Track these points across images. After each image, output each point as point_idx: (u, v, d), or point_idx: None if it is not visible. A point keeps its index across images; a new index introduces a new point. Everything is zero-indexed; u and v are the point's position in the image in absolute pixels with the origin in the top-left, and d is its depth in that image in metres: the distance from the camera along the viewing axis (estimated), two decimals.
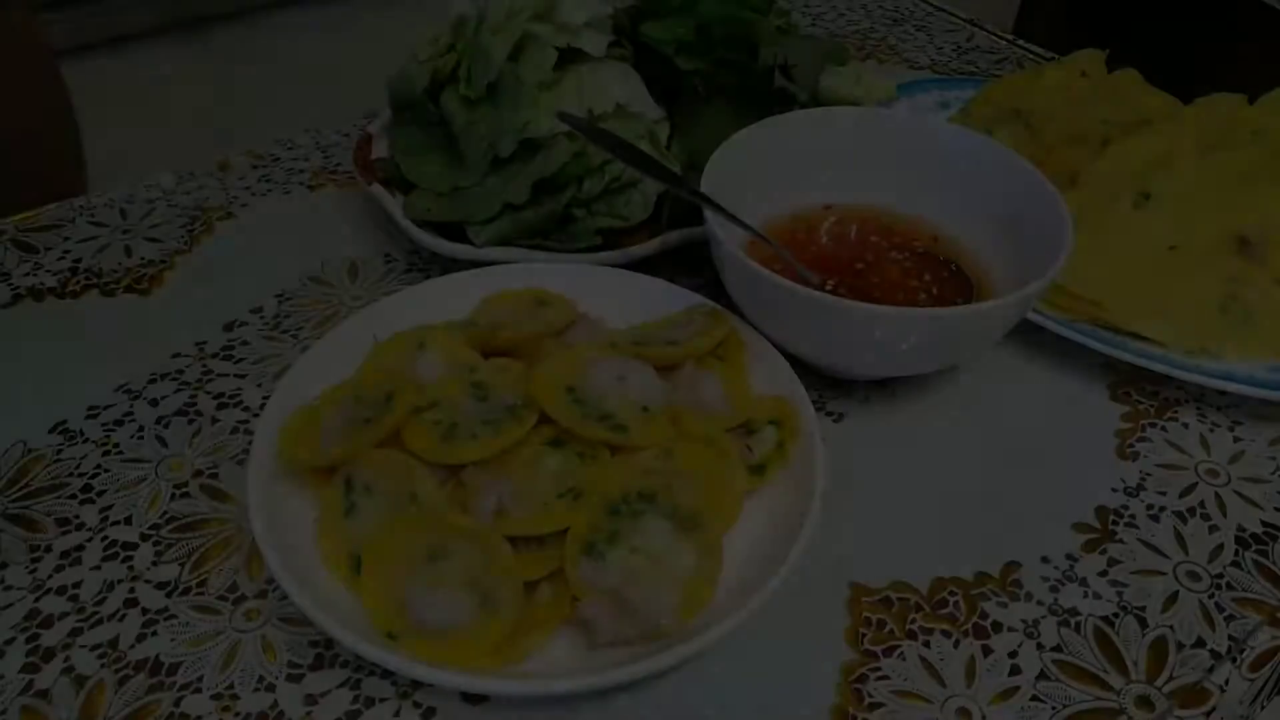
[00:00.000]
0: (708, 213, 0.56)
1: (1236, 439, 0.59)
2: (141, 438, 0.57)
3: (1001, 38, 0.97)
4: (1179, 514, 0.55)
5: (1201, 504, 0.56)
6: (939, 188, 0.65)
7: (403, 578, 0.44)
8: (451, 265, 0.63)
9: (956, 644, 0.49)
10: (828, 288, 0.60)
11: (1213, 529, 0.54)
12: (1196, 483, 0.57)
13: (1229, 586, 0.52)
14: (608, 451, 0.48)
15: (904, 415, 0.60)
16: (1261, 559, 0.53)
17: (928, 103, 0.82)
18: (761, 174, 0.64)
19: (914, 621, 0.50)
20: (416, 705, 0.45)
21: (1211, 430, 0.60)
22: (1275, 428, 0.60)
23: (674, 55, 0.66)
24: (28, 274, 0.66)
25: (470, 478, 0.46)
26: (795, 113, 0.65)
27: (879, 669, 0.47)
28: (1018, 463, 0.58)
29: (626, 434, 0.48)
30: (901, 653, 0.48)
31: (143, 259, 0.68)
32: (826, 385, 0.61)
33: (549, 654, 0.45)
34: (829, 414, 0.60)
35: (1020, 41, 0.97)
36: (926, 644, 0.49)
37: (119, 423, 0.57)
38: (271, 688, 0.46)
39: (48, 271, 0.67)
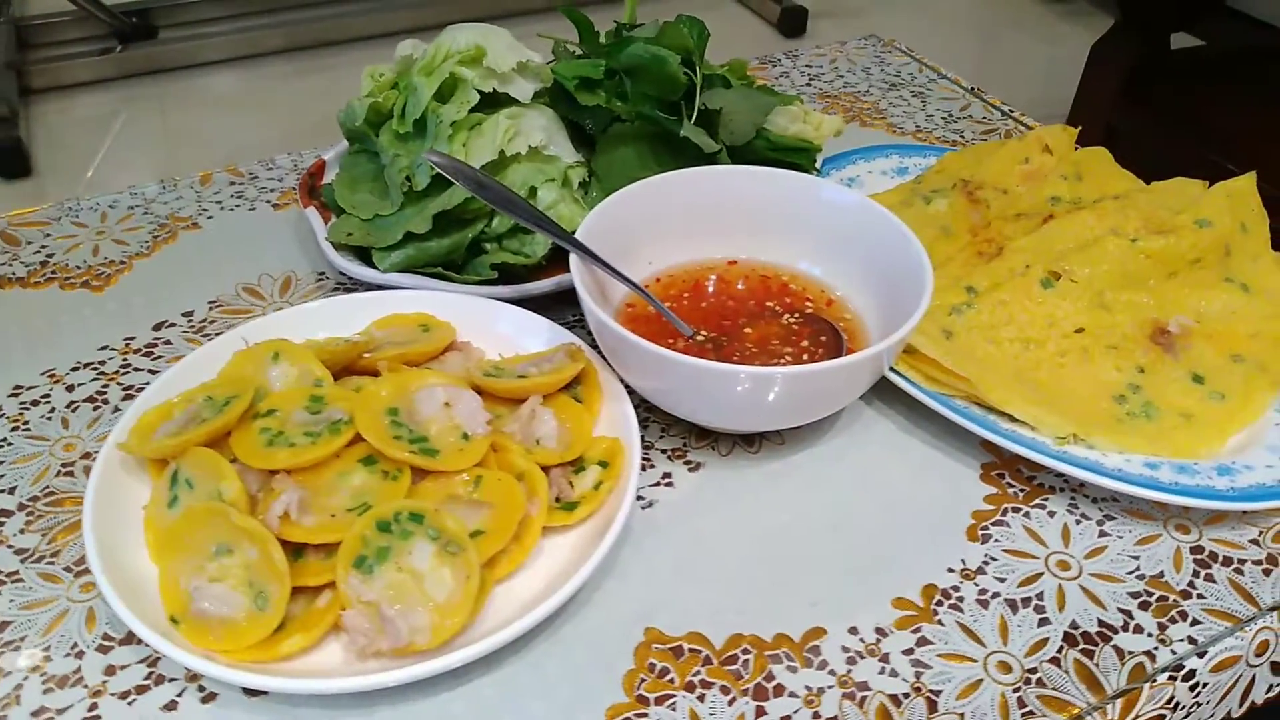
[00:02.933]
0: (573, 259, 0.58)
1: (1102, 534, 0.57)
2: (49, 418, 0.62)
3: (997, 109, 0.96)
4: (1011, 602, 0.53)
5: (1040, 595, 0.54)
6: (833, 248, 0.66)
7: (191, 568, 0.47)
8: (371, 288, 0.67)
9: (732, 701, 0.49)
10: (699, 338, 0.62)
11: (1043, 622, 0.52)
12: (1042, 573, 0.55)
13: (1040, 683, 0.50)
14: (411, 472, 0.51)
15: (761, 472, 0.60)
16: (1085, 660, 0.51)
17: (886, 166, 0.82)
18: (660, 224, 0.66)
19: (698, 674, 0.50)
20: (200, 689, 0.49)
21: (1078, 522, 0.58)
22: (1147, 527, 0.57)
23: (574, 90, 0.69)
24: (3, 264, 0.74)
25: (276, 483, 0.50)
26: (705, 168, 0.67)
27: (645, 717, 0.48)
28: (860, 531, 0.57)
29: (434, 458, 0.51)
30: (674, 703, 0.49)
31: (105, 259, 0.75)
32: (698, 434, 0.62)
33: (327, 657, 0.47)
34: (687, 463, 0.61)
35: (1015, 114, 0.95)
36: (701, 698, 0.49)
37: (35, 403, 0.63)
38: (81, 655, 0.50)
39: (21, 263, 0.74)
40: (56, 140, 2.06)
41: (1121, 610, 0.53)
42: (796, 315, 0.64)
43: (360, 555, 0.46)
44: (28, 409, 0.63)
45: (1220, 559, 0.56)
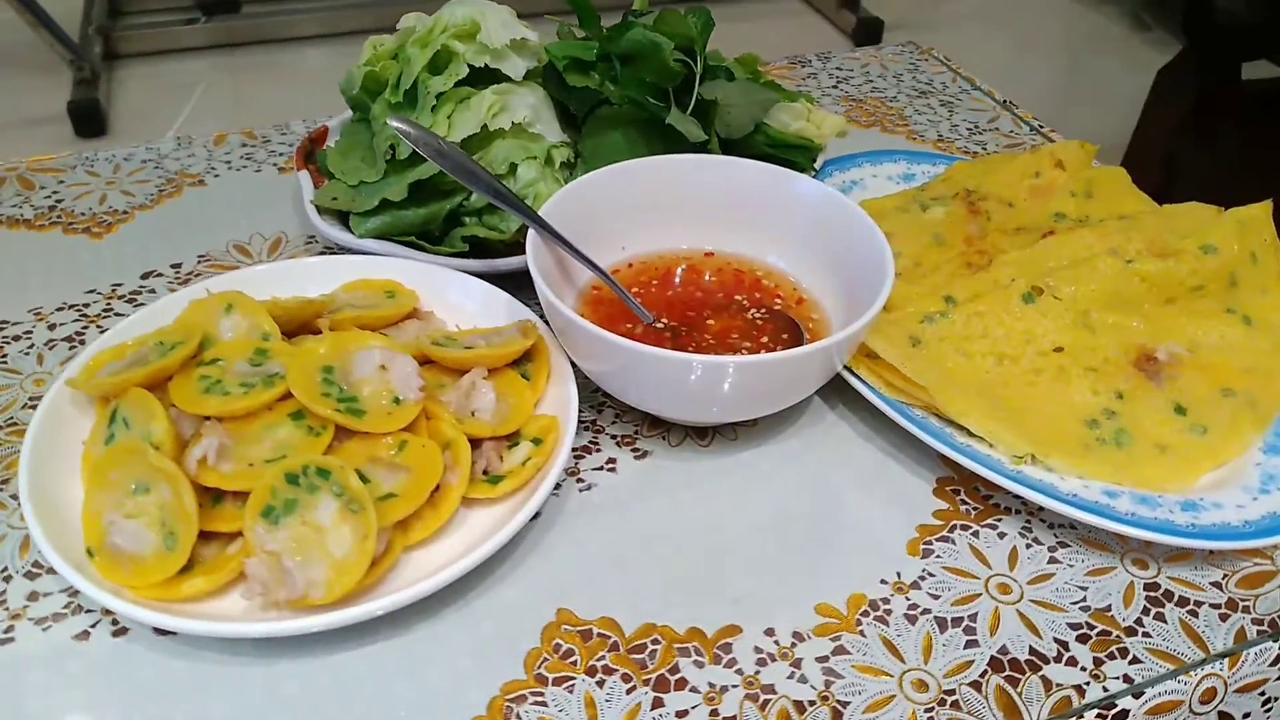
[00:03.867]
0: (531, 235, 0.58)
1: (1052, 560, 0.55)
2: (27, 354, 0.64)
3: (1027, 123, 0.93)
4: (941, 620, 0.51)
5: (973, 617, 0.52)
6: (805, 245, 0.64)
7: (111, 503, 0.48)
8: (349, 253, 0.68)
9: (631, 690, 0.48)
10: (659, 326, 0.61)
11: (971, 644, 0.50)
12: (980, 594, 0.53)
13: (955, 706, 0.48)
14: (338, 431, 0.51)
15: (708, 465, 0.59)
16: (1009, 687, 0.49)
17: (893, 172, 0.80)
18: (635, 210, 0.65)
19: (602, 660, 0.49)
20: (113, 623, 0.50)
21: (1029, 546, 0.55)
22: (1102, 559, 0.55)
23: (563, 70, 0.68)
24: (15, 205, 0.76)
25: (205, 429, 0.50)
26: (677, 155, 0.66)
27: (541, 696, 0.47)
28: (797, 534, 0.56)
29: (359, 418, 0.51)
30: (572, 686, 0.48)
31: (110, 208, 0.77)
32: (651, 423, 0.61)
33: (232, 604, 0.48)
34: (635, 450, 0.60)
35: (1045, 129, 0.92)
36: (601, 684, 0.48)
37: (17, 338, 0.65)
38: (9, 579, 0.51)
39: (31, 206, 0.77)
40: (135, 105, 2.14)
41: (1058, 640, 0.51)
42: (763, 311, 0.62)
43: (268, 505, 0.47)
44: (9, 343, 0.65)
45: (1176, 598, 0.53)
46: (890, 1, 2.65)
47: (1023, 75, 2.39)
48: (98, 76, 2.07)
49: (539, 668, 0.48)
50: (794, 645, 0.50)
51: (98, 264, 0.72)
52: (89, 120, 1.96)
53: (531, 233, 0.58)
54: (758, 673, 0.49)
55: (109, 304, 0.68)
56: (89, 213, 0.76)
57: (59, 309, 0.68)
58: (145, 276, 0.71)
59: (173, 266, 0.72)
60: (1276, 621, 0.52)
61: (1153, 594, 0.53)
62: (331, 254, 0.72)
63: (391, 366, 0.53)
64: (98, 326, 0.66)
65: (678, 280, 0.65)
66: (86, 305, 0.68)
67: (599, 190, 0.63)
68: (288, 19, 2.39)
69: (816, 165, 0.76)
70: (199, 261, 0.72)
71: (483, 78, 0.69)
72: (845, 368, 0.60)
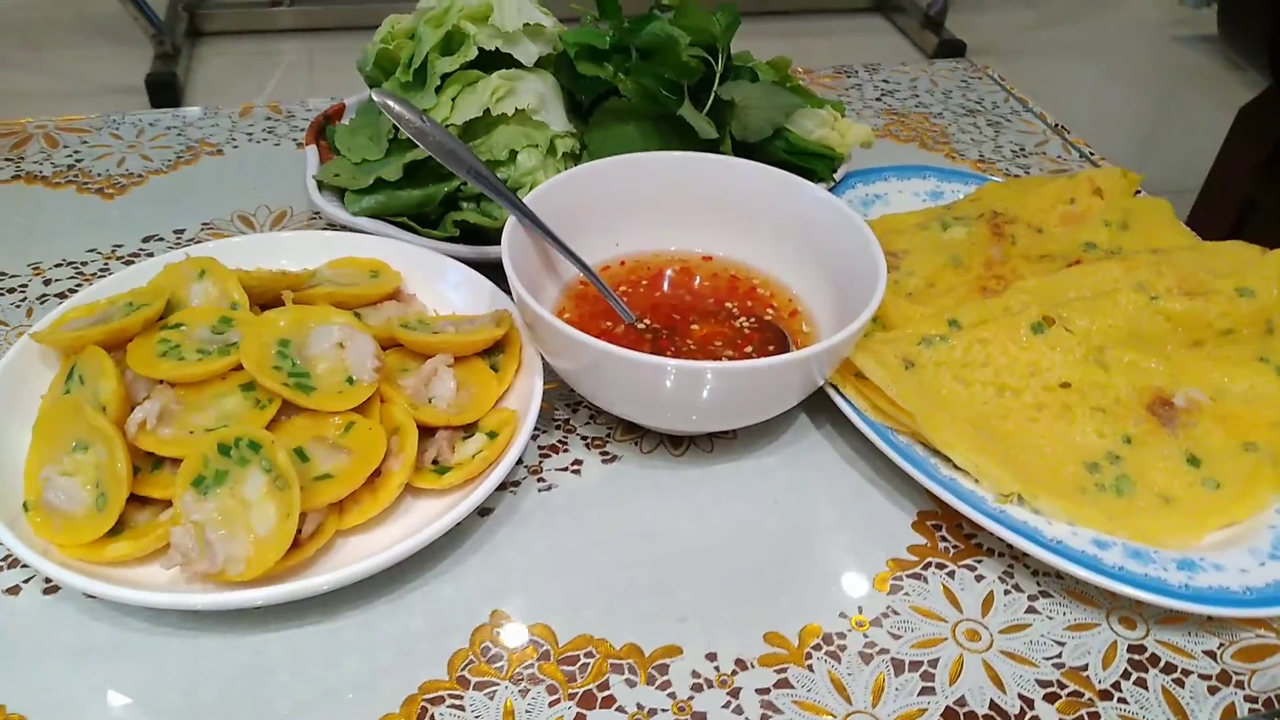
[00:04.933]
0: (511, 223, 0.56)
1: (1031, 610, 0.51)
2: (19, 306, 0.64)
3: (1077, 149, 0.88)
4: (898, 662, 0.48)
5: (934, 662, 0.48)
6: (803, 255, 0.61)
7: (51, 458, 0.48)
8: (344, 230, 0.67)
9: (554, 703, 0.45)
10: (640, 327, 0.58)
11: (926, 691, 0.47)
12: (945, 639, 0.49)
13: None
14: (287, 407, 0.50)
15: (679, 476, 0.57)
16: None
17: (920, 188, 0.77)
18: (630, 206, 0.63)
19: (529, 668, 0.47)
20: (46, 580, 0.49)
21: (1007, 593, 0.51)
22: (1086, 614, 0.51)
23: (574, 58, 0.66)
24: (36, 162, 0.77)
25: (153, 393, 0.49)
26: (676, 153, 0.63)
27: (459, 700, 0.45)
28: (759, 556, 0.52)
29: (307, 394, 0.49)
30: (493, 692, 0.46)
31: (126, 171, 0.77)
32: (626, 427, 0.59)
33: (158, 573, 0.47)
34: (604, 453, 0.58)
35: (1095, 157, 0.87)
36: (524, 693, 0.46)
37: (11, 290, 0.66)
38: None
39: (52, 163, 0.78)
40: (211, 82, 2.19)
41: (1023, 697, 0.47)
42: (752, 320, 0.59)
43: (199, 475, 0.46)
44: (2, 295, 0.65)
45: (1162, 664, 0.49)
46: (981, 26, 2.59)
47: (1107, 108, 2.31)
48: (178, 52, 2.12)
49: (462, 669, 0.46)
50: (735, 673, 0.47)
51: (103, 224, 0.72)
52: (165, 94, 2.01)
53: (511, 220, 0.56)
54: (691, 698, 0.46)
55: (106, 264, 0.68)
56: (104, 174, 0.77)
57: (57, 265, 0.68)
58: (146, 240, 0.71)
59: (175, 232, 0.72)
60: (1274, 701, 0.47)
61: (1136, 657, 0.49)
62: (333, 230, 0.71)
63: (349, 345, 0.52)
64: (90, 285, 0.66)
65: (666, 283, 0.62)
66: (84, 264, 0.68)
67: (593, 183, 0.61)
68: (372, 7, 2.42)
69: (837, 175, 0.73)
70: (202, 229, 0.72)
71: (496, 62, 0.68)
72: (831, 385, 0.57)
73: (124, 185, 0.76)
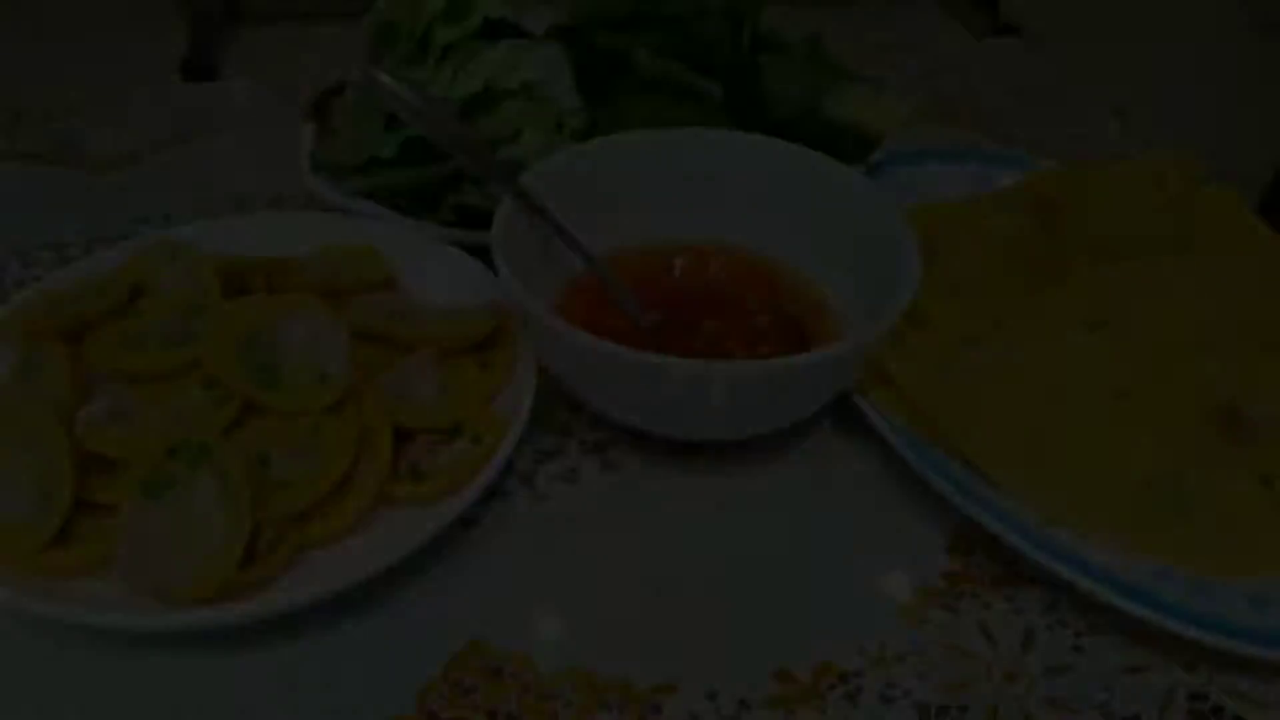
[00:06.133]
0: (505, 203, 0.51)
1: (1077, 649, 0.45)
2: None
3: (1138, 134, 0.81)
4: (924, 707, 0.42)
5: (964, 707, 0.42)
6: (835, 246, 0.55)
7: None
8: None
9: None
10: (647, 323, 0.53)
11: None
12: (979, 680, 0.43)
13: None
14: (240, 403, 0.45)
15: (682, 487, 0.51)
16: None
17: (965, 173, 0.70)
18: (646, 188, 0.58)
19: (507, 704, 0.42)
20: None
21: (1050, 628, 0.46)
22: (1141, 654, 0.44)
23: (589, 29, 0.61)
24: (35, 140, 0.74)
25: (105, 388, 0.45)
26: (703, 130, 0.58)
27: None
28: (772, 582, 0.47)
29: (269, 392, 0.45)
30: None
31: (124, 150, 0.74)
32: (630, 432, 0.54)
33: (106, 587, 0.43)
34: (605, 462, 0.52)
35: (1159, 143, 0.80)
36: None
37: None
38: None
39: (46, 141, 0.74)
40: (245, 63, 2.17)
41: None
42: (770, 314, 0.54)
43: (146, 480, 0.41)
44: None
45: (1228, 715, 0.42)
46: (1035, 7, 2.49)
47: (1172, 92, 2.20)
48: (216, 34, 2.10)
49: (431, 703, 0.42)
50: (737, 714, 0.42)
51: (88, 204, 0.69)
52: (197, 71, 1.99)
53: (505, 204, 0.51)
54: None
55: (90, 247, 0.65)
56: (98, 153, 0.73)
57: (39, 248, 0.64)
58: (135, 221, 0.67)
59: (165, 216, 0.68)
60: None
61: (1198, 705, 0.43)
62: (325, 214, 0.67)
63: (322, 338, 0.47)
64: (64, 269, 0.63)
65: (685, 272, 0.57)
66: (67, 245, 0.65)
67: (601, 162, 0.56)
68: None
69: (873, 158, 0.67)
70: (194, 212, 0.68)
71: (504, 33, 0.63)
72: (858, 390, 0.51)
73: (115, 164, 0.72)
